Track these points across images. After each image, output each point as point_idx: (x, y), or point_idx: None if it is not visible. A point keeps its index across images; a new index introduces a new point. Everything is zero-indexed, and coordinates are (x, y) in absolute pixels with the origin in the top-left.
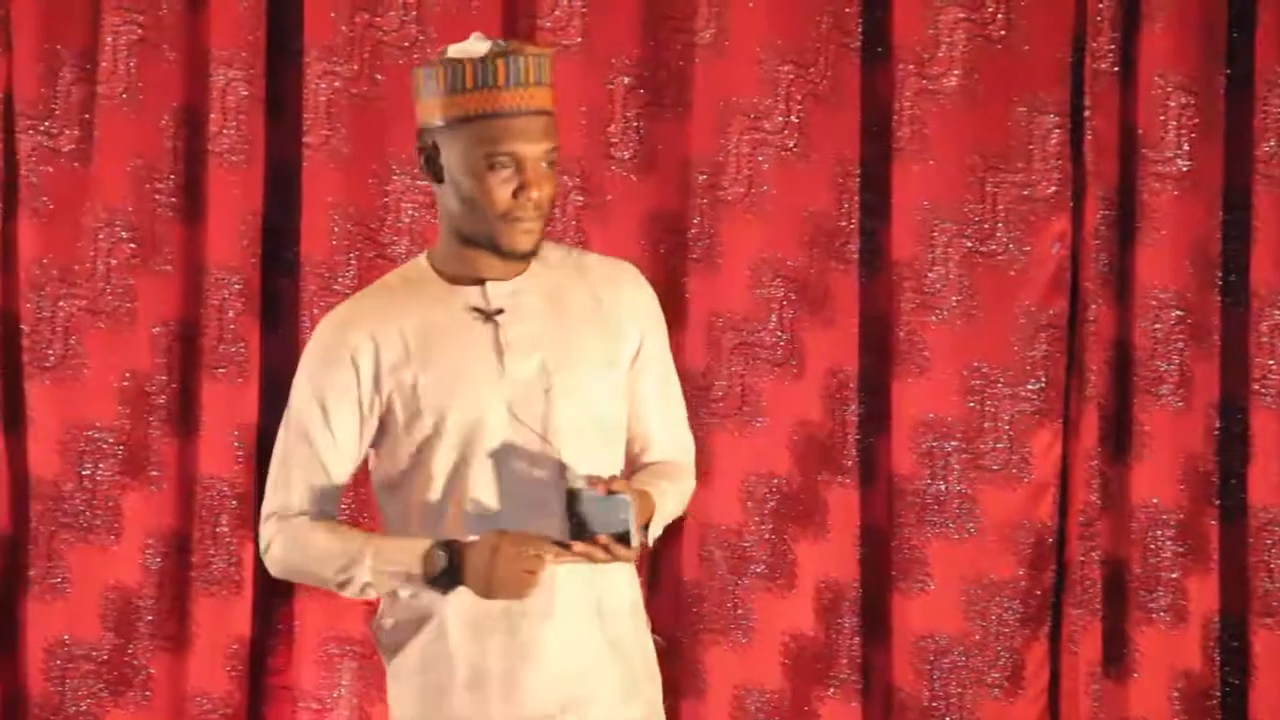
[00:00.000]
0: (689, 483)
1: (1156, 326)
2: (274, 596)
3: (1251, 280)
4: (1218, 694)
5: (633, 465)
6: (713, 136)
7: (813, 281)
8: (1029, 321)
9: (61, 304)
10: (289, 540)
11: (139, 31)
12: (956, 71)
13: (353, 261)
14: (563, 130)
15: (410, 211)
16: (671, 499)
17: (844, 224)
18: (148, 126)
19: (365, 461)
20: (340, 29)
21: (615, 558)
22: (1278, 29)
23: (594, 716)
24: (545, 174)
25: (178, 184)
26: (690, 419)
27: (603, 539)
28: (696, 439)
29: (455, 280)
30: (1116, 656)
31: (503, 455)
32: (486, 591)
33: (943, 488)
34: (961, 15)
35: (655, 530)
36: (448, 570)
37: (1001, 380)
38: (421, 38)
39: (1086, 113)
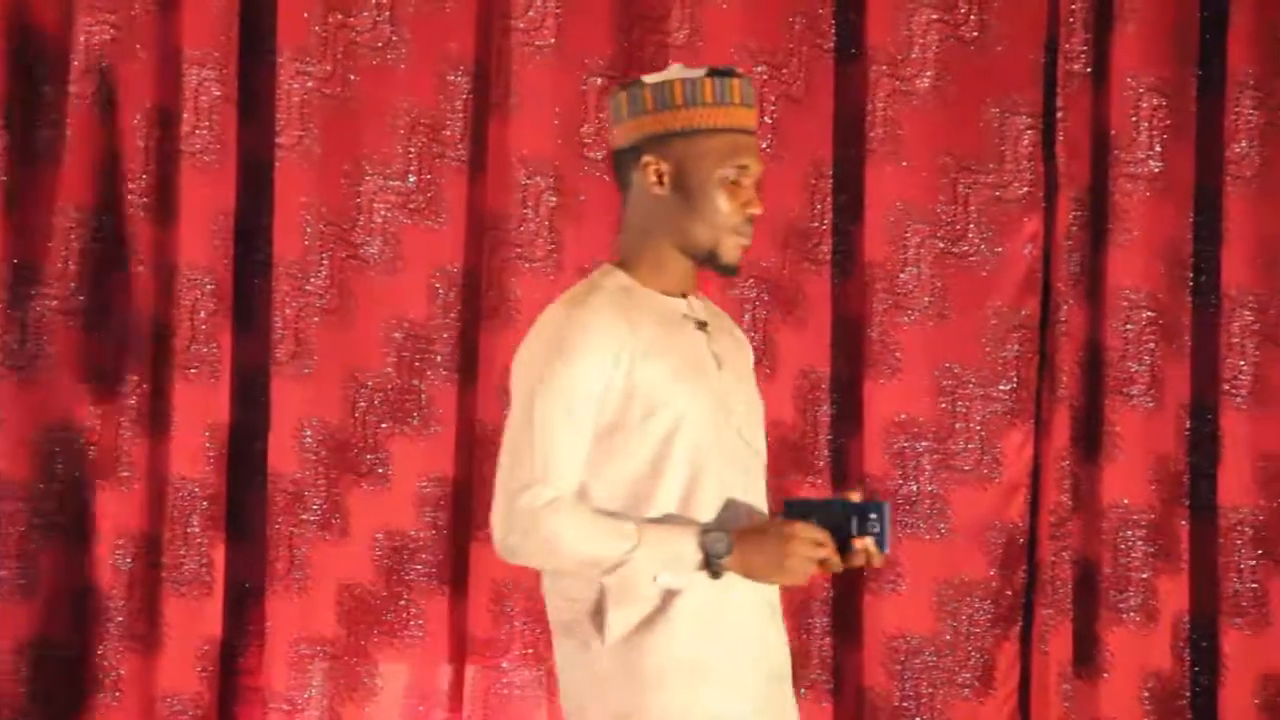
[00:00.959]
0: None
1: (1128, 327)
2: (244, 597)
3: (1222, 281)
4: (1188, 694)
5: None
6: None
7: (785, 282)
8: (1001, 322)
9: (32, 304)
10: (564, 518)
11: (111, 31)
12: (929, 73)
13: (325, 262)
14: (535, 130)
15: (383, 212)
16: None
17: (817, 225)
18: (120, 126)
19: None
20: (313, 29)
21: (870, 563)
22: (1249, 31)
23: (789, 705)
24: None
25: (150, 184)
26: None
27: (868, 544)
28: None
29: (665, 291)
30: (1087, 656)
31: (724, 463)
32: (768, 575)
33: (914, 488)
34: (934, 17)
35: None
36: (724, 554)
37: (973, 381)
38: (395, 38)
39: (1059, 114)
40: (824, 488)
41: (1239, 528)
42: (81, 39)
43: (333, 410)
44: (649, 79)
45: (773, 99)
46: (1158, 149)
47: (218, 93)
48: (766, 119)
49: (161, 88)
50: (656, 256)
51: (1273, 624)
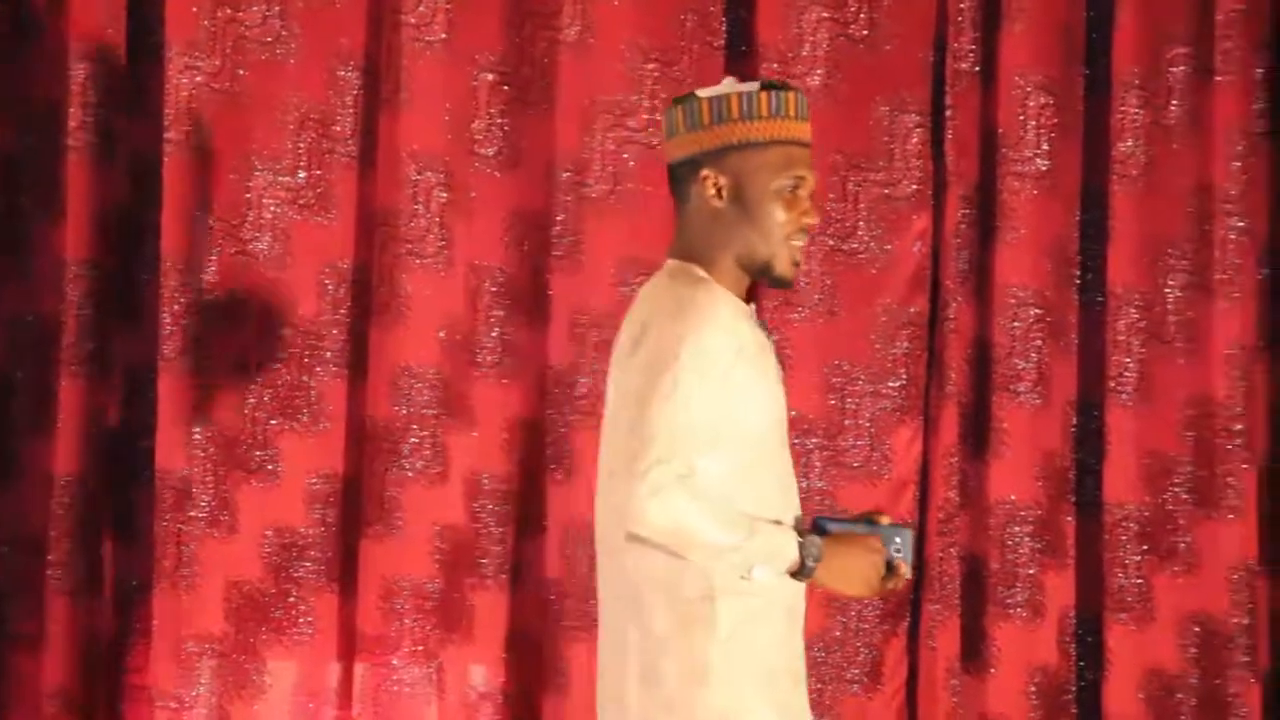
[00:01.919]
0: None
1: (1015, 324)
2: (131, 595)
3: (1108, 279)
4: (1073, 688)
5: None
6: (577, 134)
7: None
8: (890, 319)
9: None
10: (695, 499)
11: None
12: (819, 71)
13: (213, 258)
14: (425, 127)
15: (272, 208)
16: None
17: None
18: (6, 121)
19: None
20: (202, 24)
21: (897, 585)
22: (1135, 31)
23: (805, 711)
24: None
25: (36, 179)
26: (554, 417)
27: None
28: (559, 436)
29: (740, 296)
30: (974, 651)
31: (787, 466)
32: (848, 585)
33: (804, 484)
34: (824, 15)
35: None
36: (817, 559)
37: (862, 378)
38: (285, 33)
39: (948, 112)
40: None
41: (1124, 524)
42: None
43: (221, 406)
44: (703, 93)
45: (663, 95)
46: (1045, 147)
47: (106, 87)
48: (657, 115)
49: (48, 82)
50: (721, 266)
51: (1157, 619)
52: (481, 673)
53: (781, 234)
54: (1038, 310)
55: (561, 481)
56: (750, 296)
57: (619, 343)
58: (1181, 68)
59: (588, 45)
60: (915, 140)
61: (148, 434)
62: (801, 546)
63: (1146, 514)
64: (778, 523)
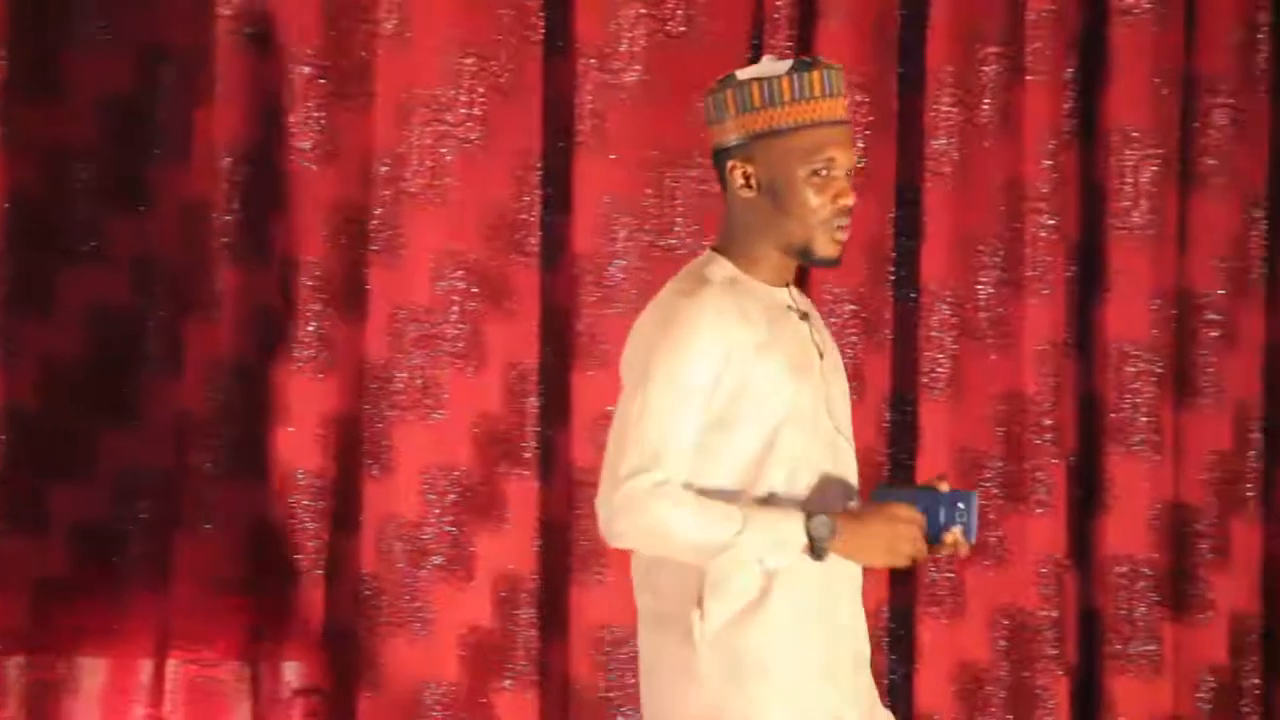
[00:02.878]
0: None
1: (831, 320)
2: None
3: (922, 275)
4: (886, 681)
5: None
6: (395, 128)
7: (494, 274)
8: None
9: None
10: (672, 502)
11: None
12: (637, 67)
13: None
14: (241, 120)
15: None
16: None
17: (525, 217)
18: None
19: None
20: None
21: (957, 552)
22: (948, 28)
23: (872, 691)
24: (851, 183)
25: None
26: (371, 411)
27: (957, 533)
28: (377, 432)
29: (769, 282)
30: None
31: (822, 453)
32: (874, 556)
33: None
34: (642, 11)
35: None
36: (828, 536)
37: None
38: (101, 23)
39: None
40: (532, 480)
41: None
42: None
43: (31, 400)
44: (741, 74)
45: (481, 90)
46: (860, 144)
47: None
48: (475, 110)
49: None
50: (757, 252)
51: (967, 613)
52: (296, 669)
53: (816, 220)
54: (852, 306)
55: (378, 478)
56: (799, 279)
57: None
58: (993, 67)
59: (405, 39)
60: None
61: None
62: (810, 527)
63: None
64: (801, 507)
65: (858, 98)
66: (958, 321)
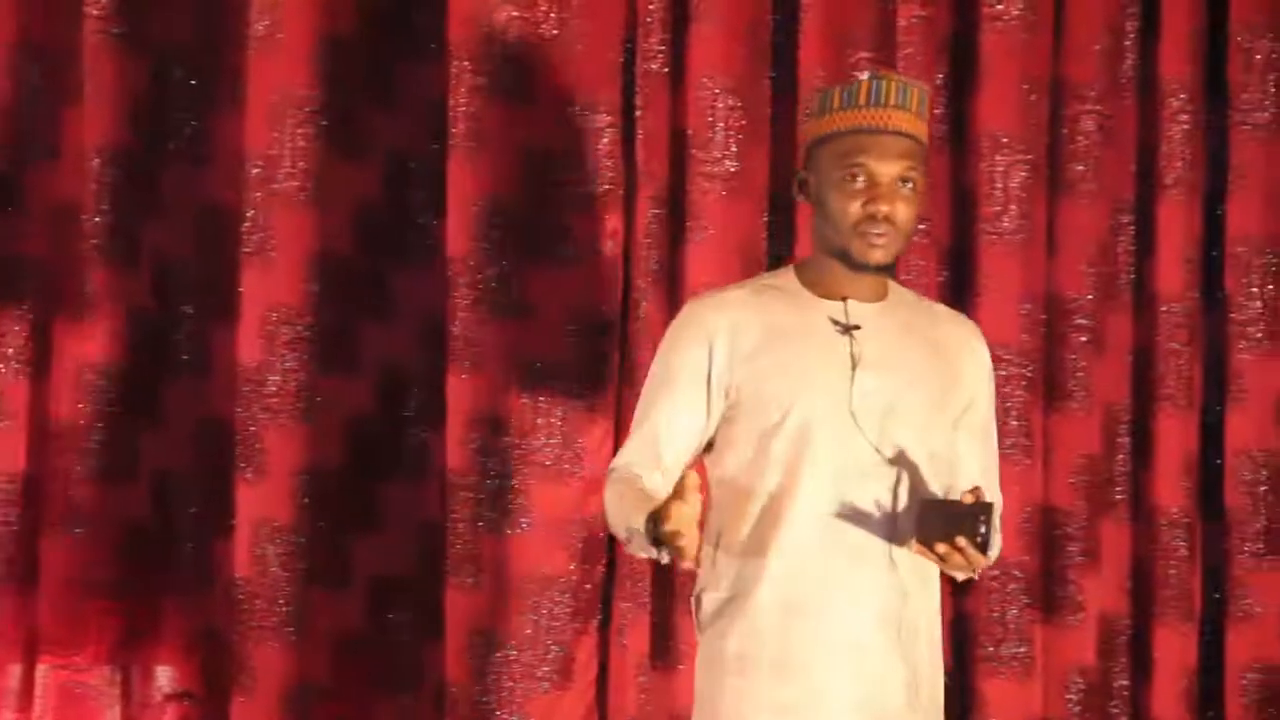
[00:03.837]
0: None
1: None
2: None
3: None
4: None
5: None
6: (266, 129)
7: (367, 276)
8: (582, 318)
9: None
10: (609, 492)
11: None
12: (511, 69)
13: None
14: (110, 121)
15: None
16: (996, 544)
17: (399, 219)
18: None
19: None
20: None
21: (969, 561)
22: (820, 33)
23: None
24: (899, 193)
25: None
26: (244, 414)
27: (961, 542)
28: (250, 435)
29: (825, 295)
30: (664, 648)
31: (839, 460)
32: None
33: (496, 484)
34: (515, 14)
35: (989, 561)
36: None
37: (554, 377)
38: None
39: (637, 112)
40: (408, 483)
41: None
42: None
43: None
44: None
45: (353, 92)
46: (733, 149)
47: None
48: (349, 112)
49: None
50: (818, 262)
51: None
52: (167, 674)
53: (847, 224)
54: None
55: (251, 481)
56: (855, 290)
57: None
58: (865, 72)
59: (276, 40)
60: (606, 140)
61: None
62: (646, 522)
63: None
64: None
65: (730, 102)
66: None
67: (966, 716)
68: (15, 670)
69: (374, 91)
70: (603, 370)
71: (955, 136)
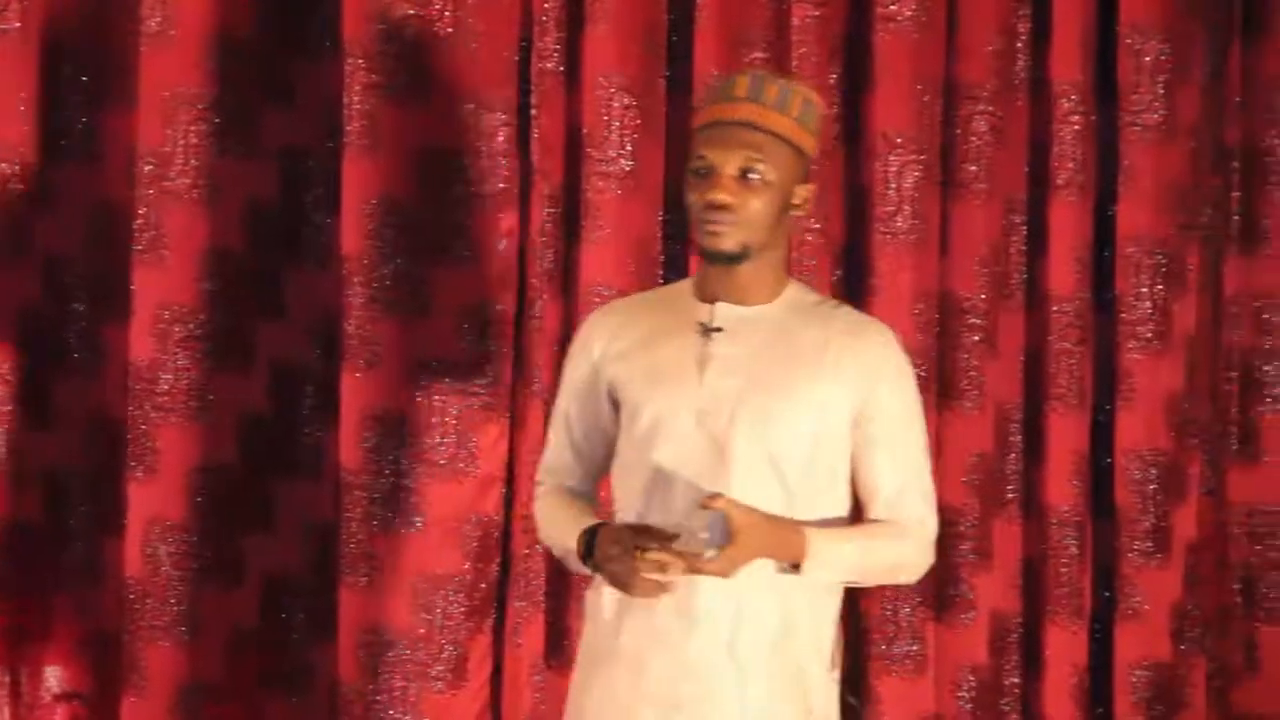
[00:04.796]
0: (906, 547)
1: None
2: None
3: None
4: None
5: (863, 518)
6: (158, 127)
7: (262, 275)
8: (477, 317)
9: None
10: (538, 508)
11: None
12: (405, 67)
13: None
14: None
15: None
16: (858, 551)
17: (292, 217)
18: None
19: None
20: None
21: (692, 568)
22: (715, 33)
23: None
24: (744, 183)
25: None
26: (136, 412)
27: (677, 547)
28: (142, 433)
29: (703, 298)
30: (558, 648)
31: (684, 461)
32: (608, 580)
33: (390, 482)
34: (410, 12)
35: (815, 569)
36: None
37: (449, 375)
38: None
39: (533, 111)
40: (302, 481)
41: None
42: None
43: None
44: None
45: (247, 90)
46: (629, 148)
47: None
48: (243, 110)
49: None
50: (702, 265)
51: None
52: (57, 674)
53: (694, 216)
54: None
55: (143, 480)
56: (721, 290)
57: None
58: (760, 71)
59: (169, 37)
60: (502, 139)
61: None
62: (578, 542)
63: None
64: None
65: (626, 101)
66: None
67: (860, 714)
68: None
69: (269, 89)
70: (498, 369)
71: (849, 136)
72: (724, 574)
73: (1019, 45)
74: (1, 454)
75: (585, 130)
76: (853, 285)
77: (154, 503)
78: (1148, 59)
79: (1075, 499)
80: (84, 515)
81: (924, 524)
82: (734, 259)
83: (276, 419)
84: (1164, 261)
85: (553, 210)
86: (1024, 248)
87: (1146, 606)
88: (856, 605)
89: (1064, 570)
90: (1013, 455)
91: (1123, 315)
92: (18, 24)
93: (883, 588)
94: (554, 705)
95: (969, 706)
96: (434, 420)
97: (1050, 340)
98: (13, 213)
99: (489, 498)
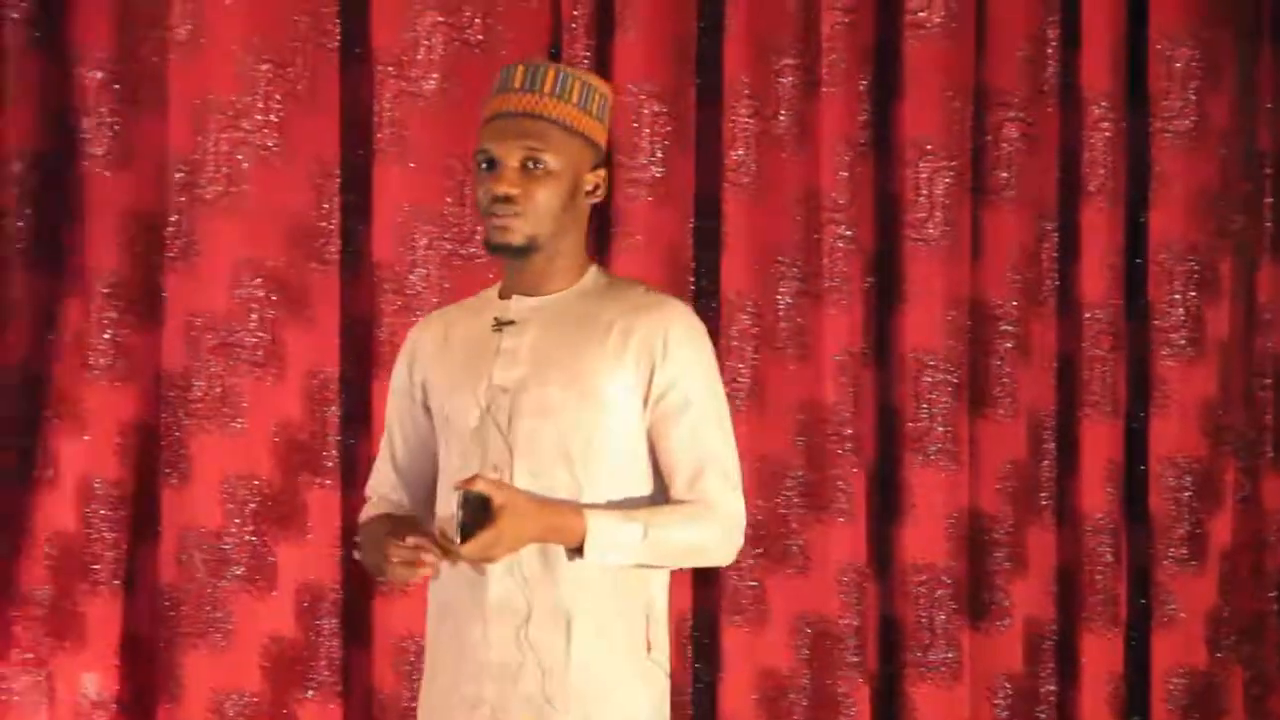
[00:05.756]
0: (705, 529)
1: None
2: None
3: (722, 285)
4: (690, 689)
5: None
6: (190, 134)
7: (293, 282)
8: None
9: None
10: (360, 524)
11: None
12: (435, 75)
13: None
14: (25, 125)
15: None
16: (646, 532)
17: (325, 224)
18: None
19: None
20: None
21: (447, 555)
22: (744, 41)
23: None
24: (528, 174)
25: None
26: (169, 421)
27: (435, 533)
28: (174, 441)
29: (503, 294)
30: None
31: (476, 458)
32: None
33: None
34: (440, 19)
35: (599, 552)
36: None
37: None
38: None
39: None
40: (333, 488)
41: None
42: None
43: None
44: None
45: (278, 98)
46: (659, 155)
47: None
48: (272, 117)
49: None
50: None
51: (770, 621)
52: (94, 681)
53: (481, 211)
54: None
55: (176, 486)
56: (521, 285)
57: None
58: (789, 79)
59: (199, 45)
60: None
61: None
62: None
63: (760, 517)
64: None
65: (655, 108)
66: (758, 331)
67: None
68: None
69: (296, 96)
70: None
71: (879, 143)
72: (486, 558)
73: (1049, 51)
74: (40, 460)
75: (616, 138)
76: (884, 292)
77: (188, 510)
78: (1178, 65)
79: (1109, 506)
80: (119, 521)
81: (724, 504)
82: (522, 252)
83: (309, 426)
84: (1196, 268)
85: None
86: (1056, 254)
87: (1182, 614)
88: (891, 612)
89: (1099, 577)
90: (1046, 462)
91: (1155, 322)
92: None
93: (917, 595)
94: None
95: (1005, 714)
96: None
97: (1083, 347)
98: (46, 221)
99: None
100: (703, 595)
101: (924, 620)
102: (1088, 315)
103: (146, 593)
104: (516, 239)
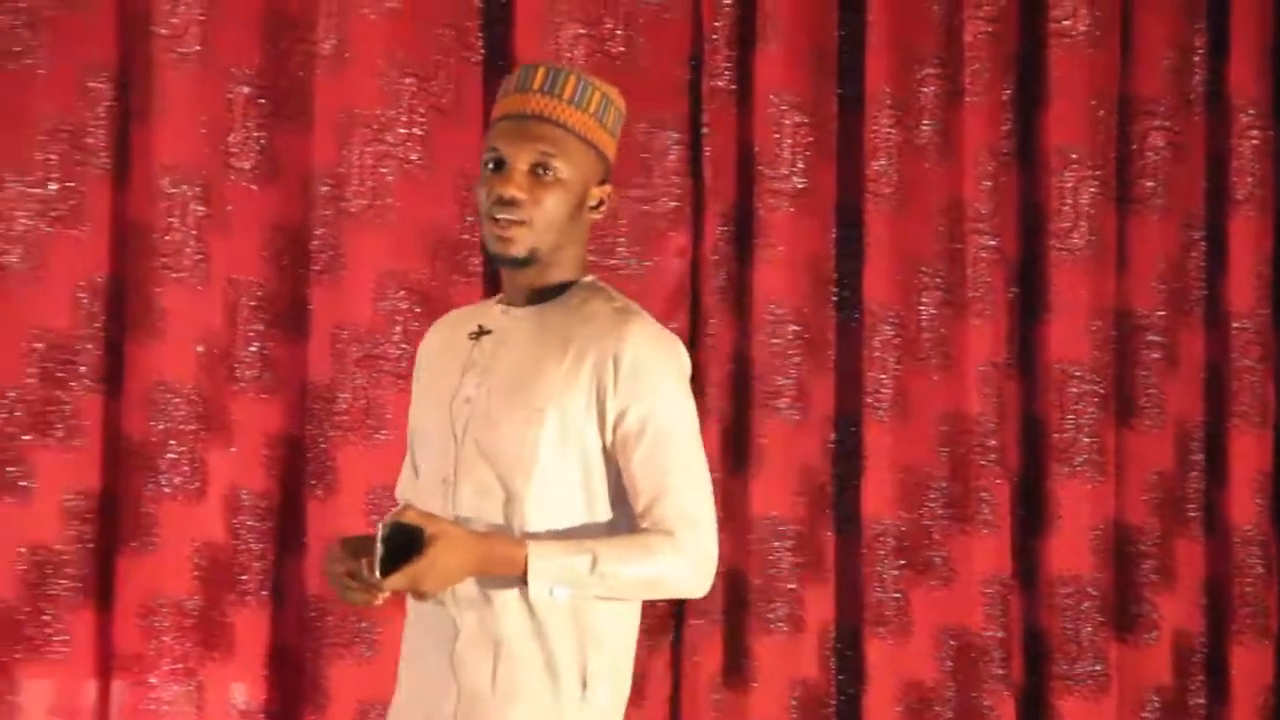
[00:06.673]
0: (665, 560)
1: (774, 341)
2: None
3: (864, 296)
4: (834, 701)
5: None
6: (335, 148)
7: (436, 294)
8: None
9: None
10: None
11: None
12: None
13: None
14: (180, 138)
15: (24, 220)
16: (595, 564)
17: (467, 237)
18: None
19: None
20: None
21: (370, 588)
22: (886, 51)
23: None
24: (536, 180)
25: None
26: (314, 433)
27: (354, 568)
28: (320, 453)
29: (502, 302)
30: (736, 666)
31: (438, 471)
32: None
33: None
34: (581, 31)
35: (543, 584)
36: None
37: None
38: (34, 43)
39: (705, 130)
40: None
41: (881, 538)
42: None
43: None
44: None
45: (422, 110)
46: (800, 166)
47: None
48: (416, 130)
49: None
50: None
51: (914, 633)
52: (242, 691)
53: (482, 214)
54: (796, 327)
55: (322, 498)
56: (517, 295)
57: None
58: (932, 89)
59: (344, 58)
60: (674, 157)
61: None
62: None
63: (903, 529)
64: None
65: (797, 119)
66: (900, 342)
67: None
68: (92, 687)
69: (440, 109)
70: None
71: (1023, 152)
72: (416, 591)
73: (1195, 59)
74: (186, 472)
75: (757, 148)
76: (1029, 302)
77: (334, 520)
78: None
79: (1259, 517)
80: (265, 533)
81: (686, 535)
82: (523, 263)
83: None
84: None
85: (725, 229)
86: (1203, 264)
87: None
88: (1037, 624)
89: (1249, 589)
90: (1194, 473)
91: None
92: (197, 47)
93: (1063, 607)
94: None
95: None
96: None
97: (1231, 357)
98: (197, 235)
99: None
100: (846, 607)
101: (1070, 632)
102: (1236, 325)
103: (294, 603)
104: (519, 251)
